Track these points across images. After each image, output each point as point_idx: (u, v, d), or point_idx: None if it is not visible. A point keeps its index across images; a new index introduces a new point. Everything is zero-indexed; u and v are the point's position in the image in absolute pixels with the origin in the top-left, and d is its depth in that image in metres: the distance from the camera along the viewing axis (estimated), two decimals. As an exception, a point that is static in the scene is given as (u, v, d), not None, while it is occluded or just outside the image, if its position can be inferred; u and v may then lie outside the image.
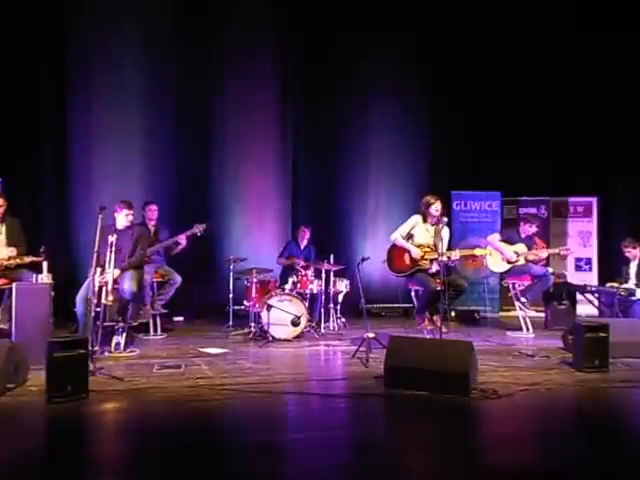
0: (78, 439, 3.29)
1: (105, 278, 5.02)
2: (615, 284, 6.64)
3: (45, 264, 5.00)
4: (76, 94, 7.64)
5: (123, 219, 5.46)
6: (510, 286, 6.84)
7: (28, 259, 5.28)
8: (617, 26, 7.96)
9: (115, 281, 5.15)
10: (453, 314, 7.73)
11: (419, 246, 5.81)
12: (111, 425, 3.56)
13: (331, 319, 6.95)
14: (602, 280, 7.80)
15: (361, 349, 5.14)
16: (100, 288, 4.94)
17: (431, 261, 5.73)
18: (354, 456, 3.11)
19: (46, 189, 7.60)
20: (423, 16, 8.46)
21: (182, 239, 6.52)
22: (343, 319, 7.11)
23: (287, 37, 8.33)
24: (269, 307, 6.00)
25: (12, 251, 5.29)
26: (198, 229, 6.57)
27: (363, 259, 5.59)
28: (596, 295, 6.99)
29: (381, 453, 3.06)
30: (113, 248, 5.08)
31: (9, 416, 3.58)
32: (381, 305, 8.30)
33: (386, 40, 8.49)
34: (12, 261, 5.25)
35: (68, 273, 6.88)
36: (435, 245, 5.70)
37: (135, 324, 5.82)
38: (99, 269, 4.96)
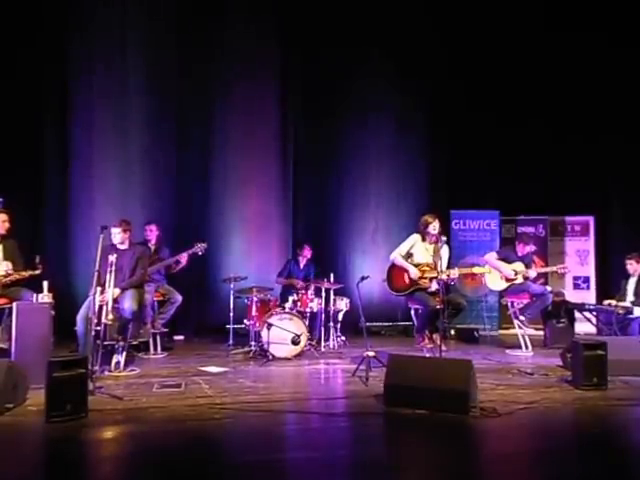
0: (77, 459, 3.28)
1: (105, 297, 5.04)
2: (612, 302, 6.64)
3: (46, 283, 5.01)
4: (78, 111, 7.72)
5: (118, 237, 5.46)
6: (509, 304, 6.86)
7: (26, 273, 5.25)
8: (619, 43, 8.07)
9: (115, 300, 5.17)
10: (452, 332, 7.76)
11: (418, 265, 5.83)
12: (111, 445, 3.55)
13: (331, 338, 6.94)
14: (600, 298, 7.81)
15: (361, 368, 5.15)
16: (100, 307, 4.96)
17: (430, 279, 5.76)
18: (354, 475, 3.11)
19: (47, 207, 7.61)
20: (423, 34, 8.53)
21: (183, 258, 6.55)
22: (343, 337, 7.10)
23: (288, 58, 8.44)
24: (269, 326, 6.00)
25: (8, 264, 5.28)
26: (199, 248, 6.61)
27: (363, 278, 5.61)
28: (594, 313, 6.99)
29: (381, 472, 3.06)
30: (113, 267, 5.11)
31: (8, 436, 3.58)
32: (381, 323, 8.32)
33: (385, 57, 8.57)
34: (10, 277, 5.23)
35: (68, 292, 6.89)
36: (435, 263, 5.73)
37: (135, 343, 5.84)
38: (99, 288, 4.99)
